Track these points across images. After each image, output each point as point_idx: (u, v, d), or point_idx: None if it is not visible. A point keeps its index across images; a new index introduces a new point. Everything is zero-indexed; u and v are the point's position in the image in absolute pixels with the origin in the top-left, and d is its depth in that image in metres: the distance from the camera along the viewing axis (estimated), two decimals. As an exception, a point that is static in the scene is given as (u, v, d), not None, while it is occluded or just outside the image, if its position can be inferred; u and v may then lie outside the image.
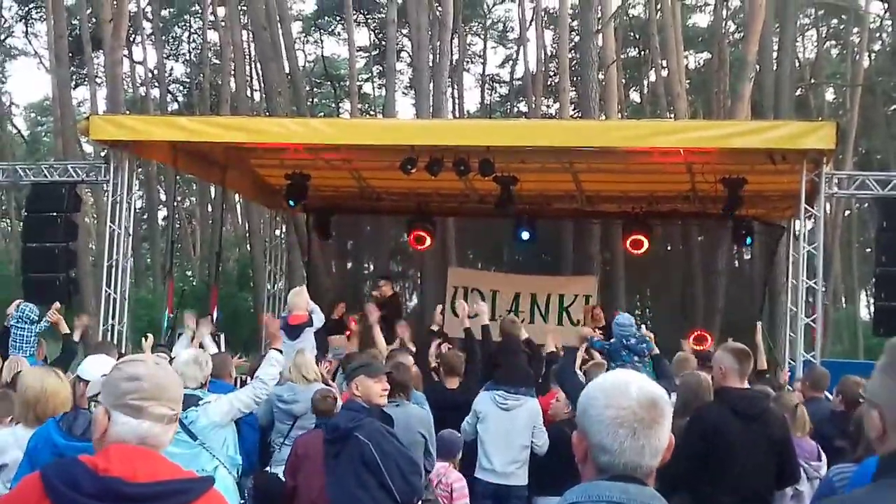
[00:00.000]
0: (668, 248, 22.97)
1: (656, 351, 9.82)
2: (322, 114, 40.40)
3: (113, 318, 14.77)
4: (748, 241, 18.00)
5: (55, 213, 15.27)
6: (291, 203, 17.50)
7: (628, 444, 2.43)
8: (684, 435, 6.27)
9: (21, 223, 20.87)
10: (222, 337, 13.56)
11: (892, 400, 2.46)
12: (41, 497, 2.75)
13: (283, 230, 22.13)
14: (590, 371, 8.90)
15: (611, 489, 2.42)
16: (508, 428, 8.58)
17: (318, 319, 11.57)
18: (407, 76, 42.30)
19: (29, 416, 5.42)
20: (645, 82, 40.56)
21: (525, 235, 18.34)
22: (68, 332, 10.57)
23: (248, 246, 36.56)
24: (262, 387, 6.98)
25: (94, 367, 5.14)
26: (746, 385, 6.47)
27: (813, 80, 39.41)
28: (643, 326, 10.38)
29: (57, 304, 11.73)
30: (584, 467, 2.54)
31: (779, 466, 6.31)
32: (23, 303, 12.97)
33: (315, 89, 45.88)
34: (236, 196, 31.02)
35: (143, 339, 10.62)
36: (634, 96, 43.10)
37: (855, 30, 37.09)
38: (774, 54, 26.52)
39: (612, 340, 10.40)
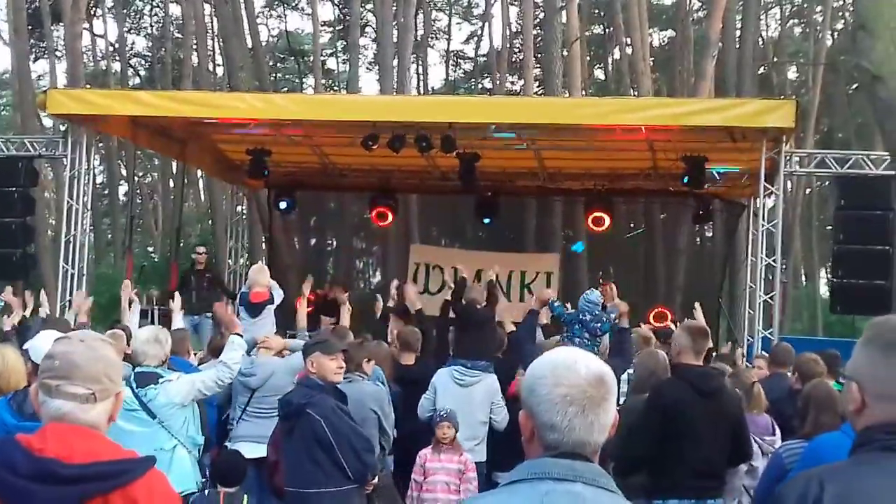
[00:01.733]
0: (631, 225, 23.06)
1: (625, 325, 9.79)
2: (285, 89, 40.12)
3: (71, 293, 14.63)
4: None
5: (12, 188, 15.12)
6: (252, 178, 17.34)
7: (577, 421, 2.42)
8: (643, 412, 6.31)
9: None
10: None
11: (873, 373, 2.54)
12: None
13: (245, 206, 22.00)
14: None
15: (557, 465, 2.41)
16: (466, 404, 8.60)
17: (278, 296, 11.47)
18: (371, 51, 42.13)
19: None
20: (609, 60, 40.58)
21: (486, 220, 18.57)
22: (23, 313, 10.44)
23: (209, 222, 36.37)
24: (227, 371, 6.94)
25: (41, 343, 5.09)
26: (701, 362, 6.51)
27: (776, 59, 39.61)
28: (616, 299, 10.30)
29: (9, 289, 11.55)
30: (531, 445, 2.53)
31: (732, 444, 6.36)
32: None
33: (278, 64, 45.55)
34: (198, 172, 30.79)
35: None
36: (599, 74, 43.13)
37: (818, 8, 37.25)
38: (738, 32, 26.66)
39: (572, 311, 10.41)
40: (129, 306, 10.47)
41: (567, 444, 2.43)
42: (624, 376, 8.15)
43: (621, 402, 7.46)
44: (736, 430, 6.39)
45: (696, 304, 10.92)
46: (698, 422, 6.15)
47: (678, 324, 10.68)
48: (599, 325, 9.99)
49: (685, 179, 15.29)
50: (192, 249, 18.98)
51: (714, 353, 11.21)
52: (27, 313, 10.69)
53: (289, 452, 6.31)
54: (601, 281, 17.39)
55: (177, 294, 10.65)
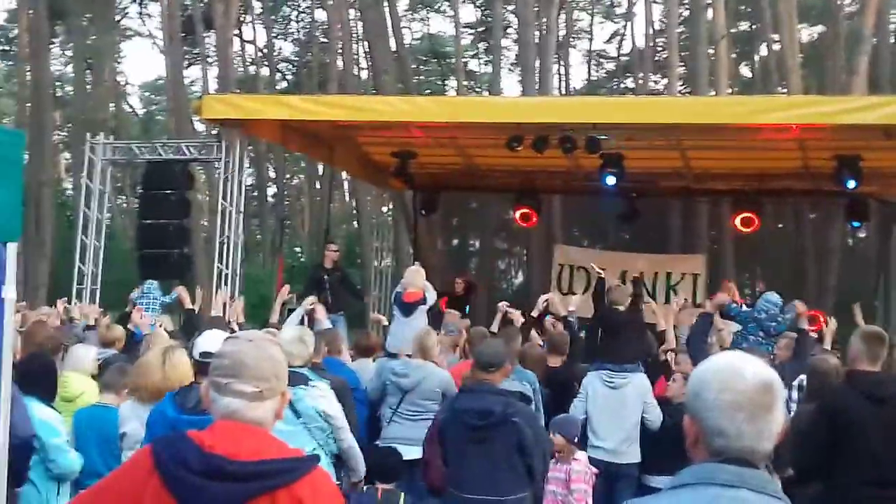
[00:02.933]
0: (780, 226, 22.54)
1: (803, 325, 9.55)
2: (428, 91, 40.43)
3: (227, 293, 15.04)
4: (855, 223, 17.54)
5: (169, 191, 15.64)
6: (402, 182, 17.58)
7: (746, 428, 2.40)
8: (812, 421, 6.12)
9: (137, 200, 21.41)
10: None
11: None
12: (150, 471, 2.80)
13: (390, 207, 22.29)
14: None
15: (725, 472, 2.40)
16: (617, 406, 8.56)
17: (432, 297, 11.61)
18: (513, 53, 42.10)
19: (148, 389, 5.62)
20: (756, 57, 39.65)
21: (627, 216, 18.36)
22: (191, 307, 10.82)
23: (355, 223, 36.92)
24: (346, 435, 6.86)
25: (206, 342, 5.27)
26: (878, 368, 6.24)
27: (933, 53, 38.09)
28: (796, 301, 10.08)
29: (182, 287, 12.00)
30: (696, 450, 2.51)
31: None
32: (147, 281, 13.45)
33: (421, 66, 45.94)
34: (343, 174, 31.28)
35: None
36: (745, 71, 42.18)
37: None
38: (892, 27, 25.75)
39: (747, 309, 10.25)
40: (282, 309, 10.77)
41: (735, 451, 2.41)
42: (796, 382, 7.97)
43: (792, 408, 7.31)
44: None
45: (856, 306, 10.59)
46: (870, 430, 5.89)
47: (827, 324, 10.41)
48: (775, 324, 9.80)
49: (839, 178, 14.84)
50: (348, 251, 19.18)
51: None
52: (194, 310, 11.06)
53: (478, 459, 6.40)
54: (727, 280, 17.08)
55: (311, 297, 10.86)
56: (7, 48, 43.26)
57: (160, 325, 10.59)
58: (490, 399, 6.47)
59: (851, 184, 14.77)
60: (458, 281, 17.77)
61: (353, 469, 6.80)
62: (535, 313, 11.02)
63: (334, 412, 6.52)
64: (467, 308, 16.94)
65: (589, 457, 8.46)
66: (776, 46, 31.07)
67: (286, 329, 7.91)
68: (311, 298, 10.75)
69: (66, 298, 13.82)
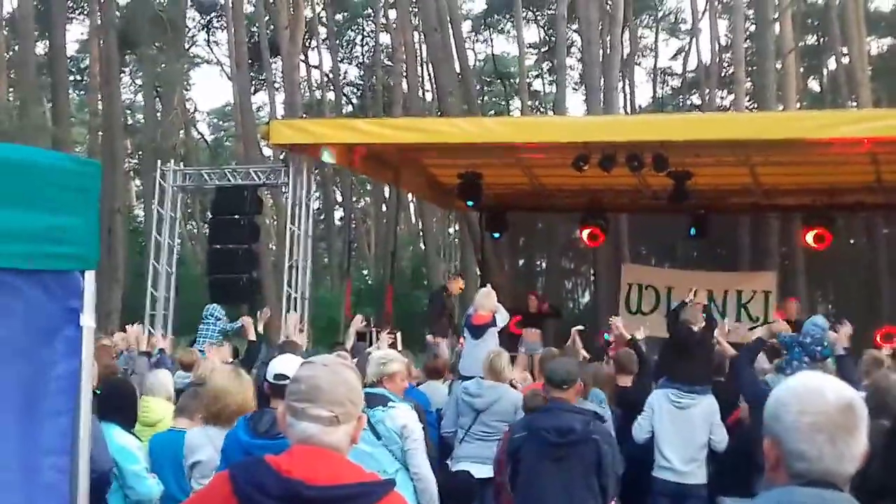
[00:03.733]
0: (852, 241, 22.20)
1: (841, 352, 9.42)
2: (493, 112, 40.56)
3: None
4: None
5: (238, 216, 15.80)
6: (469, 203, 17.56)
7: (827, 450, 2.36)
8: (888, 438, 6.01)
9: (206, 226, 21.69)
10: (398, 336, 13.73)
11: None
12: (229, 496, 2.82)
13: (456, 228, 22.32)
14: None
15: (806, 495, 2.35)
16: (685, 426, 8.45)
17: (502, 319, 11.51)
18: (577, 72, 42.05)
19: (210, 414, 5.66)
20: (824, 71, 39.18)
21: (693, 232, 18.20)
22: (254, 339, 10.87)
23: (421, 244, 37.04)
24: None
25: (281, 365, 5.30)
26: None
27: None
28: (839, 327, 9.92)
29: (248, 318, 12.05)
30: (776, 474, 2.46)
31: None
32: (210, 305, 13.56)
33: (485, 87, 46.06)
34: (409, 195, 31.43)
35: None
36: (813, 85, 41.71)
37: None
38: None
39: (792, 334, 10.08)
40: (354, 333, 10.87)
41: (816, 473, 2.36)
42: None
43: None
44: None
45: None
46: None
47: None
48: (820, 348, 9.62)
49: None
50: (406, 272, 19.31)
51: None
52: (260, 328, 11.13)
53: (554, 478, 6.38)
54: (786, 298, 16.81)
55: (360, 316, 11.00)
56: (79, 78, 44.20)
57: (212, 354, 10.56)
58: (569, 417, 6.44)
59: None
60: (531, 297, 17.58)
61: (421, 494, 6.75)
62: (609, 337, 10.93)
63: (415, 427, 6.53)
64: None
65: (656, 477, 8.40)
66: (845, 60, 30.67)
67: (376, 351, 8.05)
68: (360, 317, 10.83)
69: (137, 322, 13.94)
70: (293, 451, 2.91)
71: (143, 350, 11.08)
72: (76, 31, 61.26)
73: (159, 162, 17.59)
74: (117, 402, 6.48)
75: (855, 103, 27.22)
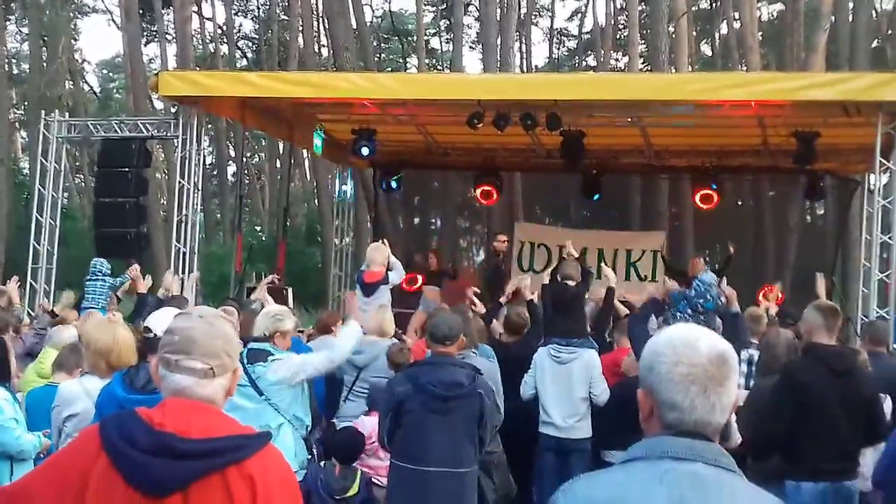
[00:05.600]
0: (739, 203, 22.65)
1: (735, 309, 9.57)
2: (389, 69, 40.30)
3: (183, 272, 14.90)
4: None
5: (126, 169, 15.44)
6: (363, 152, 17.13)
7: (699, 401, 2.37)
8: (776, 394, 6.17)
9: (94, 179, 21.15)
10: (290, 291, 13.63)
11: None
12: (98, 449, 2.74)
13: (350, 185, 22.17)
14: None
15: (676, 444, 2.36)
16: (565, 381, 8.52)
17: (397, 276, 11.26)
18: (474, 30, 42.04)
19: (101, 367, 5.49)
20: (716, 35, 39.83)
21: (594, 198, 18.43)
22: (143, 291, 10.65)
23: (315, 201, 36.77)
24: (339, 354, 7.01)
25: (159, 319, 5.19)
26: (835, 342, 6.33)
27: (890, 31, 38.39)
28: (723, 283, 10.10)
29: (136, 266, 11.79)
30: (649, 423, 2.48)
31: (868, 423, 6.18)
32: (96, 258, 13.25)
33: (382, 45, 45.75)
34: (304, 152, 31.14)
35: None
36: (705, 49, 42.38)
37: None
38: (850, 5, 25.88)
39: (681, 290, 10.28)
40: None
41: (688, 424, 2.38)
42: (745, 356, 8.00)
43: (741, 383, 7.35)
44: (870, 410, 6.21)
45: (819, 276, 10.62)
46: (833, 402, 5.99)
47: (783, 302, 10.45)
48: (702, 300, 9.83)
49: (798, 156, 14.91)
50: (299, 229, 19.12)
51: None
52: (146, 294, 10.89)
53: (440, 432, 6.38)
54: (695, 255, 17.15)
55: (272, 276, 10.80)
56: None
57: (113, 315, 10.36)
58: (453, 371, 6.45)
59: (809, 162, 14.87)
60: (430, 255, 17.54)
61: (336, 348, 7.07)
62: (503, 300, 10.87)
63: (294, 368, 6.63)
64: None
65: (541, 433, 8.47)
66: (736, 24, 31.20)
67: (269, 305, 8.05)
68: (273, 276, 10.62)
69: (17, 277, 13.54)
70: (166, 403, 2.83)
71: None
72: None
73: (43, 112, 17.05)
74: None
75: (745, 67, 27.73)
